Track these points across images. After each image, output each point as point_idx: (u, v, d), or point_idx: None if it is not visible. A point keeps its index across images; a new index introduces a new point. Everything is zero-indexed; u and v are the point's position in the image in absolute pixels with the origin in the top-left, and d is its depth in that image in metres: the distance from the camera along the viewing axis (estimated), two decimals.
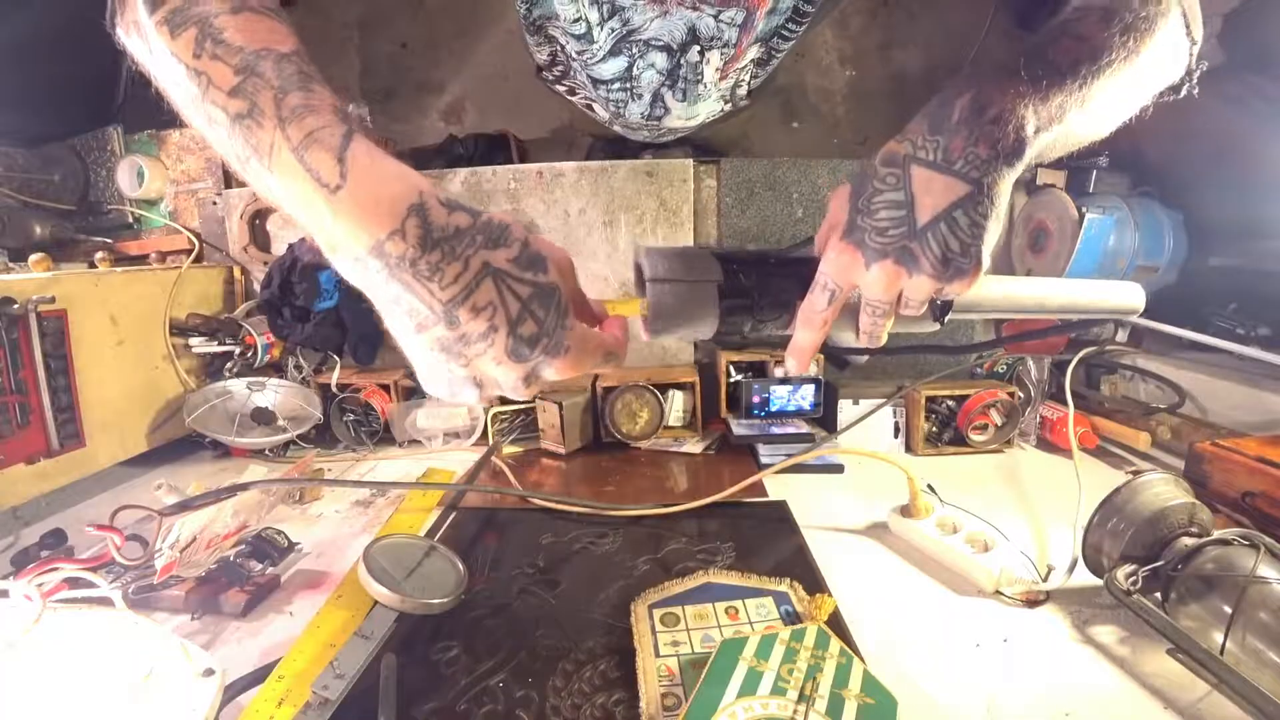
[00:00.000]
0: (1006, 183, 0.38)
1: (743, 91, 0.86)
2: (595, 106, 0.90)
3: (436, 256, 0.32)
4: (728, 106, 0.88)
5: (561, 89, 0.92)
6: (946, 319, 0.45)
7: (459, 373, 0.36)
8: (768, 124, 1.48)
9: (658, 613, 0.53)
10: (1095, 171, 1.08)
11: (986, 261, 0.41)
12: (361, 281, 0.34)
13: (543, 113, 1.63)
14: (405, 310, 0.34)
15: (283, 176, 0.32)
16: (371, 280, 0.33)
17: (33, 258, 0.87)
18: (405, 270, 0.32)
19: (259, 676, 0.48)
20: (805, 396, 0.92)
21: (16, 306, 0.73)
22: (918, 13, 1.73)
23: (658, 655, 0.48)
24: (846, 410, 0.93)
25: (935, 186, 0.38)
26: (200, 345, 1.00)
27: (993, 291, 0.47)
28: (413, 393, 1.01)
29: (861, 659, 0.45)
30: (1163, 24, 0.42)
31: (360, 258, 0.33)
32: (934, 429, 0.93)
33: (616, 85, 0.80)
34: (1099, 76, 0.39)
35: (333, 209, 0.31)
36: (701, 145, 1.10)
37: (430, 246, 0.32)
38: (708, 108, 0.86)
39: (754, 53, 0.77)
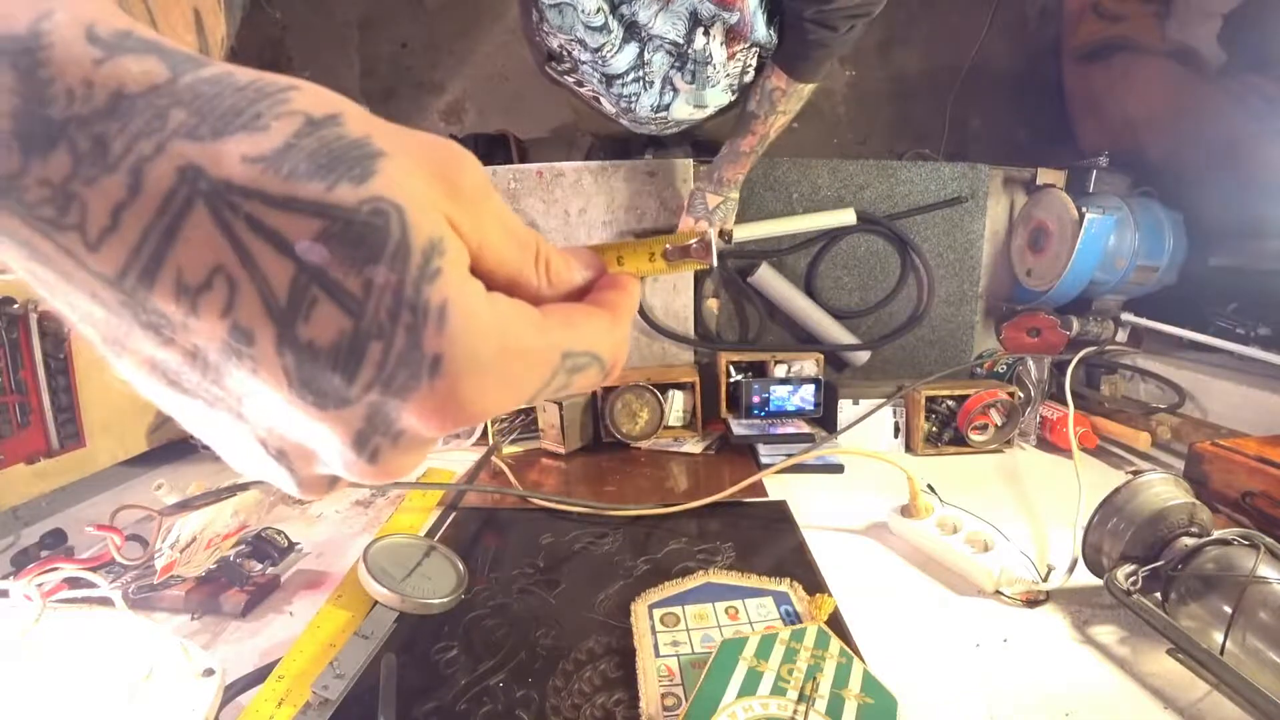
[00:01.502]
0: (732, 194, 0.94)
1: (749, 79, 0.88)
2: (603, 101, 0.91)
3: (63, 166, 0.13)
4: (735, 98, 0.90)
5: (570, 80, 0.92)
6: (730, 240, 0.99)
7: (238, 432, 0.17)
8: None
9: (658, 613, 0.54)
10: (1095, 171, 1.08)
11: (716, 223, 0.94)
12: None
13: (543, 112, 1.63)
14: (66, 307, 0.16)
15: None
16: None
17: None
18: (10, 208, 0.14)
19: (259, 676, 0.48)
20: (805, 396, 0.92)
21: (16, 306, 0.73)
22: (917, 13, 1.73)
23: (658, 655, 0.49)
24: (846, 410, 0.93)
25: (708, 197, 0.93)
26: None
27: (750, 229, 1.01)
28: None
29: (861, 659, 0.46)
30: (796, 105, 0.84)
31: None
32: (934, 429, 0.93)
33: (630, 77, 0.81)
34: (765, 145, 0.89)
35: None
36: (702, 145, 1.11)
37: (46, 141, 0.13)
38: (716, 98, 0.87)
39: (761, 38, 0.79)
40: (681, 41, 0.76)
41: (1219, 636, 0.45)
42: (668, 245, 0.23)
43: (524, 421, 0.98)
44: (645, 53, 0.78)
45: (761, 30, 0.76)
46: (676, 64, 0.80)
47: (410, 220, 0.14)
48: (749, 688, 0.42)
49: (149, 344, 0.15)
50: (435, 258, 0.15)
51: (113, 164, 0.13)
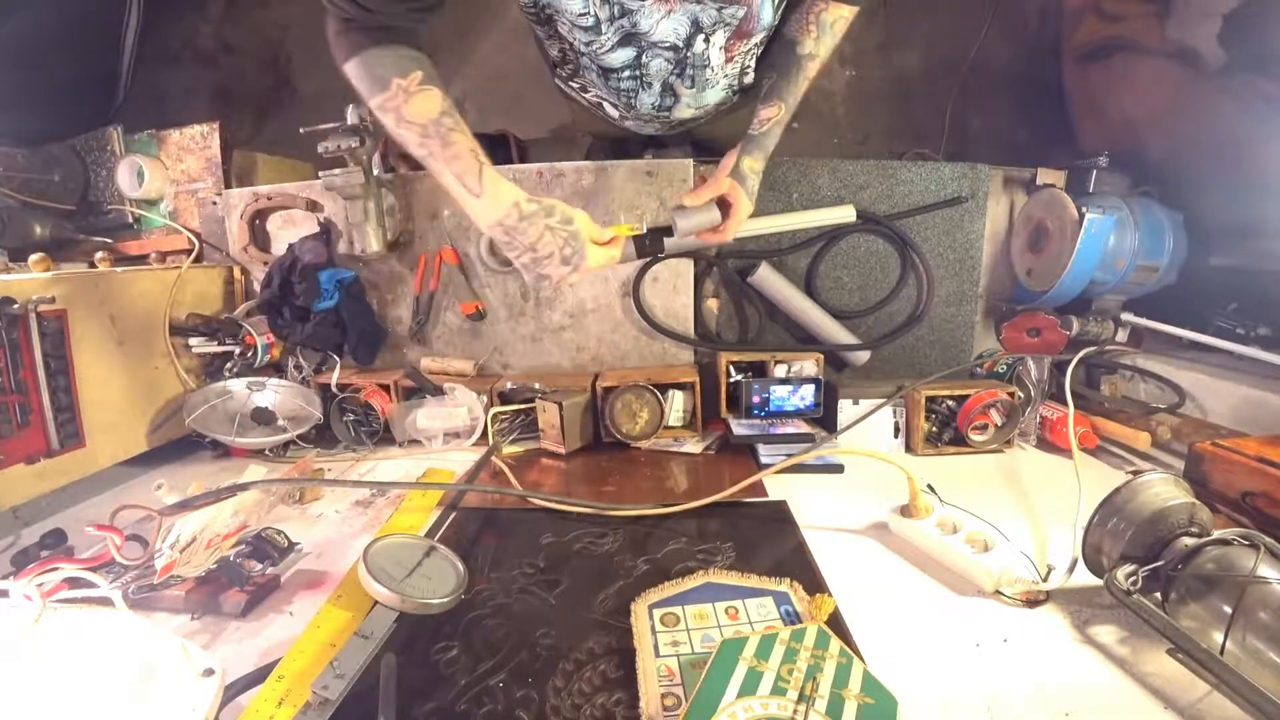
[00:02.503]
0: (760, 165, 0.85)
1: (749, 80, 0.87)
2: (605, 105, 0.91)
3: (525, 224, 0.69)
4: (735, 97, 0.89)
5: (574, 87, 0.92)
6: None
7: (539, 272, 0.72)
8: None
9: (658, 613, 0.54)
10: (1095, 171, 1.08)
11: (753, 190, 0.83)
12: (501, 242, 0.72)
13: (543, 113, 1.63)
14: (517, 252, 0.71)
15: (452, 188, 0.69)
16: (502, 240, 0.71)
17: (33, 258, 0.87)
18: (513, 232, 0.70)
19: (259, 676, 0.48)
20: (805, 396, 0.92)
21: (16, 306, 0.73)
22: (917, 13, 1.73)
23: (658, 655, 0.48)
24: (846, 410, 0.93)
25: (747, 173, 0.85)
26: (200, 345, 1.00)
27: (750, 226, 0.98)
28: (413, 393, 1.01)
29: (861, 659, 0.45)
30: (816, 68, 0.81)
31: (493, 226, 0.70)
32: (934, 429, 0.93)
33: (627, 73, 0.81)
34: (783, 125, 0.82)
35: (476, 206, 0.69)
36: (702, 145, 1.10)
37: (521, 219, 0.69)
38: (716, 98, 0.86)
39: (759, 37, 0.78)
40: (681, 45, 0.76)
41: (1219, 636, 0.45)
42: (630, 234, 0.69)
43: (524, 421, 0.98)
44: (643, 58, 0.78)
45: (768, 15, 0.76)
46: (675, 70, 0.80)
47: (582, 232, 0.73)
48: (749, 688, 0.42)
49: (530, 256, 0.72)
50: (587, 239, 0.73)
51: (533, 224, 0.71)
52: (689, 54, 0.77)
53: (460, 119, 0.66)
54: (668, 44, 0.76)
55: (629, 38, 0.75)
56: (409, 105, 0.63)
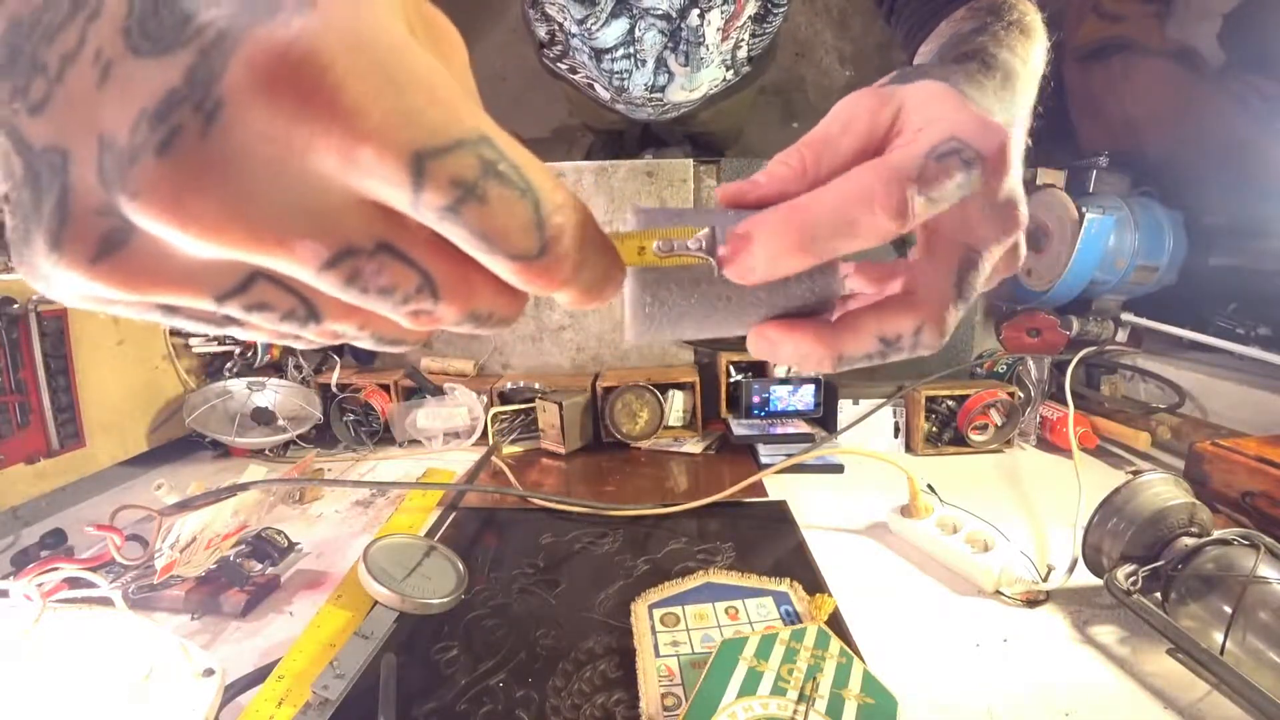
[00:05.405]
0: None
1: (743, 54, 0.86)
2: (596, 86, 0.90)
3: None
4: (730, 74, 0.88)
5: (563, 67, 0.91)
6: None
7: None
8: (768, 124, 1.48)
9: (658, 613, 0.54)
10: (1095, 171, 1.08)
11: None
12: None
13: (543, 113, 1.63)
14: None
15: None
16: None
17: None
18: None
19: (259, 676, 0.48)
20: (805, 396, 0.92)
21: (16, 306, 0.73)
22: None
23: (658, 655, 0.49)
24: (846, 410, 0.93)
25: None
26: (200, 345, 1.00)
27: None
28: (413, 393, 1.01)
29: (861, 659, 0.45)
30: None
31: None
32: (934, 429, 0.93)
33: (620, 52, 0.79)
34: None
35: None
36: (702, 144, 1.10)
37: None
38: (710, 75, 0.85)
39: (752, 8, 0.77)
40: (674, 15, 0.74)
41: (1219, 636, 0.45)
42: (658, 241, 0.23)
43: (524, 421, 0.98)
44: (636, 30, 0.76)
45: None
46: (670, 44, 0.78)
47: None
48: (749, 688, 0.42)
49: None
50: None
51: None
52: (683, 26, 0.76)
53: None
54: (660, 11, 0.74)
55: (621, 5, 0.73)
56: None
